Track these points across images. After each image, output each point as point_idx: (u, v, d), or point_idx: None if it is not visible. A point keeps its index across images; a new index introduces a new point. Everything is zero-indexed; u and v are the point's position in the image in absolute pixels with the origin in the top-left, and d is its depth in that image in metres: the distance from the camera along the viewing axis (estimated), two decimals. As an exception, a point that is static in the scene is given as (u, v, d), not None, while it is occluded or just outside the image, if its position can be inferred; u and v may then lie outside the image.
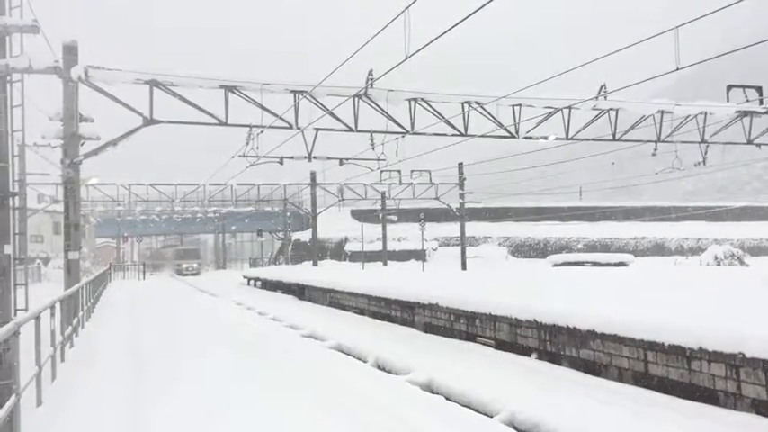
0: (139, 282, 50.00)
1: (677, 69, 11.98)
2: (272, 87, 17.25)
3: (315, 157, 23.46)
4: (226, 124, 17.36)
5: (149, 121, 16.69)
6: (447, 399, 10.59)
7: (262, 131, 19.47)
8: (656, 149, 20.64)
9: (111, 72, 16.22)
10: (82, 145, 16.92)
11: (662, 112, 19.68)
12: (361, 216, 61.86)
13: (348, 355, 15.05)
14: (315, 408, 8.78)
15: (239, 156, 22.46)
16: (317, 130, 19.27)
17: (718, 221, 68.47)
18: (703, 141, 20.43)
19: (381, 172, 35.26)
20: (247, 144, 20.56)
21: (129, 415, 8.40)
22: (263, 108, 17.49)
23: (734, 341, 9.89)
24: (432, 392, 11.18)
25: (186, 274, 64.58)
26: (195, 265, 68.86)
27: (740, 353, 9.75)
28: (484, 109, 18.57)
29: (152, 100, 16.66)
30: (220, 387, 9.87)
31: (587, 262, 48.01)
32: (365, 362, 14.21)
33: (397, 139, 19.74)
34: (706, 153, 21.43)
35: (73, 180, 16.65)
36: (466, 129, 18.88)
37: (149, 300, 28.05)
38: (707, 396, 10.29)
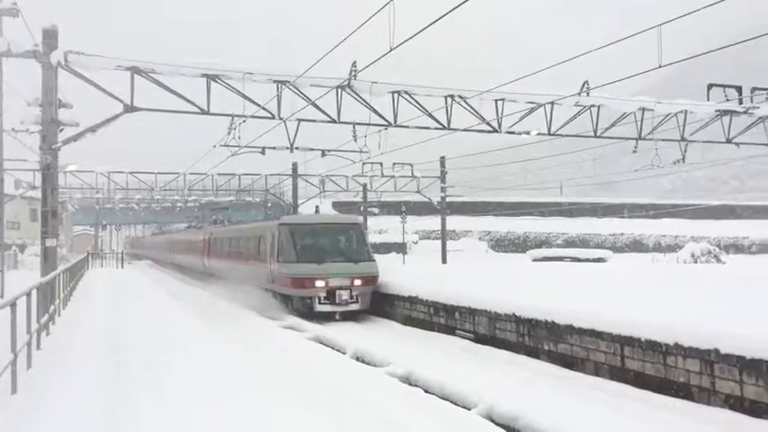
0: (118, 269, 49.55)
1: (659, 67, 12.08)
2: (255, 77, 17.14)
3: (297, 148, 23.35)
4: (208, 113, 17.21)
5: (130, 109, 16.51)
6: (425, 391, 10.63)
7: (244, 121, 19.34)
8: (636, 147, 20.82)
9: (91, 58, 16.01)
10: (61, 131, 16.70)
11: (643, 110, 19.82)
12: (343, 208, 61.69)
13: (327, 346, 15.05)
14: (295, 400, 8.75)
15: (221, 145, 22.32)
16: (300, 120, 19.18)
17: (695, 219, 69.23)
18: (683, 139, 20.61)
19: (363, 164, 35.19)
20: (229, 133, 20.42)
21: (107, 403, 8.33)
22: (245, 97, 17.37)
23: (709, 338, 10.02)
24: (410, 385, 11.21)
25: (334, 314, 20.27)
26: (360, 283, 20.59)
27: (715, 349, 9.89)
28: (467, 103, 18.58)
29: (133, 87, 16.48)
30: (199, 376, 9.79)
31: (566, 257, 48.36)
32: (344, 353, 14.22)
33: (379, 131, 19.70)
34: (685, 151, 21.62)
35: (51, 166, 16.44)
36: (449, 122, 18.89)
37: (127, 288, 27.80)
38: (682, 391, 10.43)
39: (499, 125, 19.38)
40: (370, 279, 20.85)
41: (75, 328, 14.82)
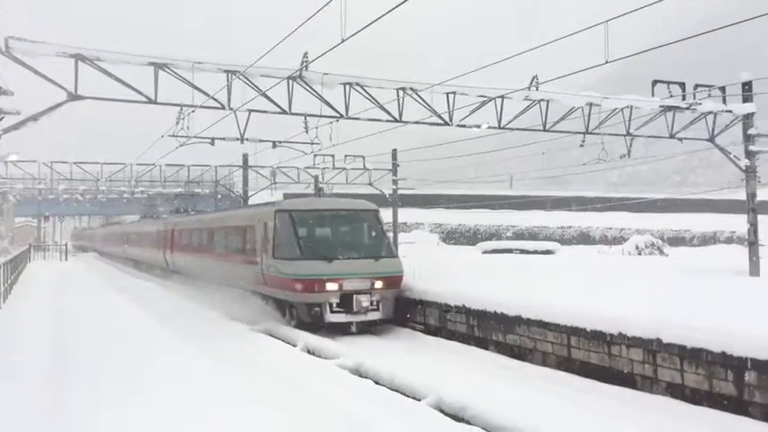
0: (61, 262, 48.23)
1: (606, 63, 12.33)
2: (204, 66, 16.80)
3: (247, 139, 23.00)
4: (155, 102, 16.83)
5: (74, 97, 16.02)
6: (376, 383, 10.66)
7: (193, 111, 18.98)
8: (583, 141, 21.16)
9: (34, 44, 15.46)
10: (1, 119, 16.15)
11: (590, 105, 20.14)
12: (294, 200, 61.08)
13: (277, 339, 14.96)
14: (244, 393, 8.67)
15: (169, 135, 21.87)
16: (250, 111, 18.92)
17: (640, 212, 70.97)
18: (629, 134, 21.01)
19: (315, 156, 34.96)
20: (177, 123, 20.02)
21: (50, 401, 8.13)
22: (194, 87, 17.04)
23: (653, 327, 10.30)
24: (361, 377, 11.23)
25: (349, 325, 16.23)
26: (381, 285, 16.62)
27: (658, 339, 10.16)
28: (419, 95, 18.60)
29: (77, 75, 16.00)
30: (140, 373, 9.62)
31: (516, 249, 49.02)
32: (294, 346, 14.16)
33: (331, 123, 19.59)
34: (631, 146, 22.07)
35: (-10, 156, 15.90)
36: (400, 115, 18.88)
37: (70, 280, 27.14)
38: (626, 380, 10.70)
39: (450, 118, 19.47)
40: (394, 280, 16.89)
41: (18, 320, 14.41)
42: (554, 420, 8.65)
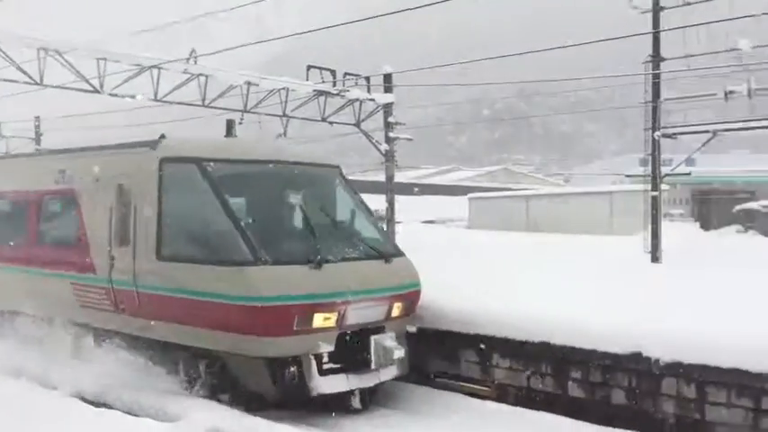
0: None
1: (258, 42, 12.65)
2: None
3: None
4: None
5: None
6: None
7: None
8: (242, 119, 21.33)
9: None
10: None
11: (249, 84, 20.40)
12: None
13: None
14: None
15: None
16: None
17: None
18: (285, 115, 21.79)
19: (-66, 119, 29.91)
20: None
21: None
22: None
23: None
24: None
25: (349, 398, 8.77)
26: (400, 309, 9.41)
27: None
28: (63, 58, 16.95)
29: None
30: None
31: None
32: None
33: (-46, 81, 16.90)
34: (287, 126, 22.89)
35: None
36: (42, 78, 17.04)
37: None
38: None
39: (101, 86, 18.13)
40: (413, 298, 9.81)
41: None
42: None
